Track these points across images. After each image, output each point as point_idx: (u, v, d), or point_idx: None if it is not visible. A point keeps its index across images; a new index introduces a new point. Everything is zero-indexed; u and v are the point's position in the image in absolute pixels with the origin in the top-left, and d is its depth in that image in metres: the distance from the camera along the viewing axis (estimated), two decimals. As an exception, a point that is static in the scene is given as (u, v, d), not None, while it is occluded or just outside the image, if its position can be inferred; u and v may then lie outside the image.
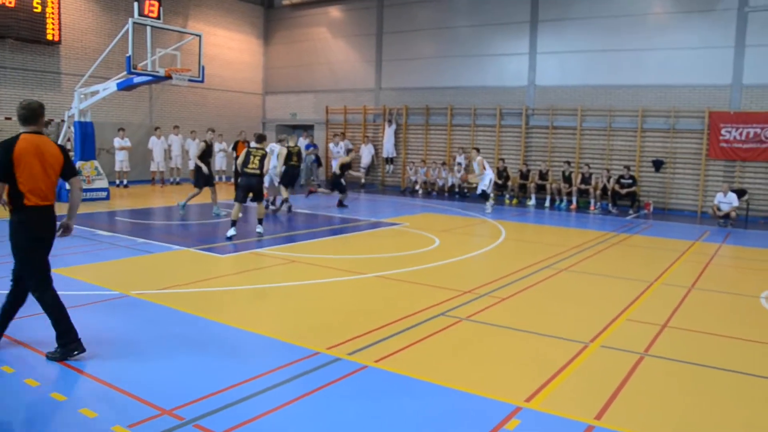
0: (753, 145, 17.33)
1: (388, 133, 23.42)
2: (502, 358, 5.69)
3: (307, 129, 26.49)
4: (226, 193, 19.21)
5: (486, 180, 17.13)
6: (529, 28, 20.94)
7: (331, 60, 26.13)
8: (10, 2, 18.15)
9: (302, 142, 24.53)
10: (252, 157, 11.58)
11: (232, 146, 20.86)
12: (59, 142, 17.40)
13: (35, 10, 18.82)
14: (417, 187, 22.36)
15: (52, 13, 19.28)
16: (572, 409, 4.50)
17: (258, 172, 11.55)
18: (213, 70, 23.95)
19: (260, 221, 11.81)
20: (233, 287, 7.94)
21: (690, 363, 5.60)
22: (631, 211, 18.15)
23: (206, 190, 14.01)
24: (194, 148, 20.75)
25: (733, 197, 16.08)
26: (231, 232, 11.18)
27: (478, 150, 17.73)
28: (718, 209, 16.13)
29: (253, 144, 12.10)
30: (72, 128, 16.88)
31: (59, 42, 19.70)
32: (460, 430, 4.22)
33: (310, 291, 7.92)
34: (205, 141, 14.01)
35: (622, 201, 18.50)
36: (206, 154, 13.91)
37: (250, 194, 11.60)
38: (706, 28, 18.00)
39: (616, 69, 19.40)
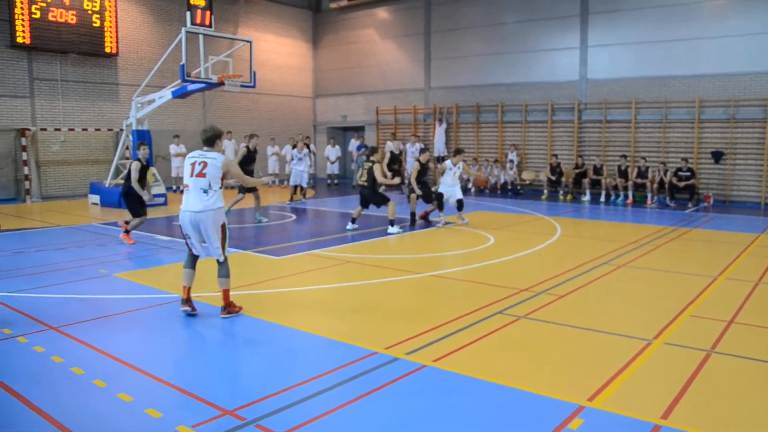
0: (820, 132, 16.61)
1: (439, 132, 23.34)
2: (563, 356, 5.59)
3: (357, 130, 26.62)
4: (280, 196, 19.46)
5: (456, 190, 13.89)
6: (580, 21, 20.58)
7: (380, 61, 26.20)
8: (71, 19, 18.81)
9: (353, 143, 24.69)
10: (362, 170, 12.85)
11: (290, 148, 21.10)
12: (118, 151, 17.95)
13: (94, 24, 19.46)
14: (469, 185, 22.21)
15: (110, 27, 19.89)
16: (637, 408, 4.39)
17: (366, 184, 12.62)
18: (264, 74, 24.30)
19: (392, 222, 12.50)
20: (290, 288, 8.03)
21: (760, 360, 5.40)
22: (690, 205, 17.62)
23: (250, 195, 14.01)
24: (233, 152, 21.19)
25: (799, 188, 15.45)
26: (350, 225, 12.68)
27: (460, 151, 13.97)
28: (784, 200, 15.52)
29: (370, 157, 12.83)
30: (130, 137, 17.36)
31: (117, 54, 20.30)
32: (521, 429, 4.16)
33: (366, 291, 7.95)
34: (247, 147, 13.83)
35: (681, 194, 17.98)
36: (248, 160, 13.68)
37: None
38: (765, 12, 17.34)
39: (670, 59, 18.88)
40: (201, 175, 6.60)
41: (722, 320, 6.55)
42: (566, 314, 6.80)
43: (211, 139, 6.78)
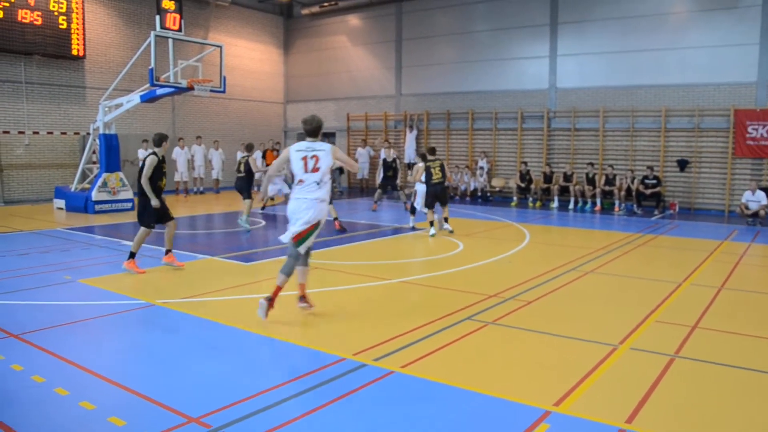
0: (781, 142, 17.03)
1: (410, 139, 23.43)
2: (530, 361, 5.62)
3: (328, 136, 26.56)
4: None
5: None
6: (549, 30, 20.84)
7: (351, 67, 26.23)
8: (37, 20, 18.49)
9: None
10: (433, 170, 12.91)
11: (261, 154, 20.97)
12: (85, 155, 17.66)
13: (61, 26, 19.17)
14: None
15: (77, 29, 19.61)
16: (602, 413, 4.43)
17: (441, 180, 13.05)
18: (234, 80, 24.16)
19: (446, 219, 13.17)
20: (258, 295, 7.95)
21: (722, 365, 5.49)
22: (656, 212, 17.90)
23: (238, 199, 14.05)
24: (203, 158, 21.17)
25: (761, 195, 15.81)
26: (432, 231, 12.84)
27: (423, 156, 13.53)
28: (746, 208, 15.87)
29: (429, 156, 13.22)
30: (97, 141, 17.10)
31: (84, 57, 20.02)
32: (488, 434, 4.17)
33: (335, 297, 7.92)
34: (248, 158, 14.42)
35: (647, 202, 18.26)
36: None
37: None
38: (729, 25, 17.75)
39: (637, 69, 19.22)
40: (315, 170, 6.65)
41: (686, 325, 6.65)
42: (534, 320, 6.85)
43: (317, 130, 6.79)
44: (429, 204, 12.99)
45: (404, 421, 4.34)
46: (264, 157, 21.00)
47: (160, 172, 9.12)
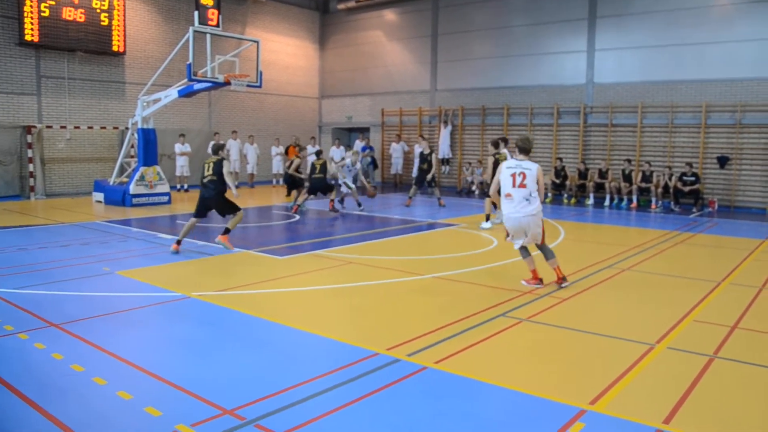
0: (826, 139, 16.55)
1: (444, 134, 23.34)
2: (565, 359, 5.57)
3: (363, 131, 26.65)
4: (277, 196, 19.46)
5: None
6: (587, 25, 20.55)
7: (387, 62, 26.21)
8: (80, 17, 18.87)
9: (359, 144, 24.70)
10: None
11: (284, 150, 21.08)
12: (123, 149, 17.97)
13: (102, 23, 19.52)
14: (473, 187, 22.20)
15: (118, 26, 19.95)
16: (639, 413, 4.36)
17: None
18: (270, 75, 24.34)
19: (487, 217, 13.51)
20: (292, 288, 8.02)
21: (763, 366, 5.37)
22: (694, 210, 17.56)
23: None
24: (237, 152, 21.46)
25: (805, 194, 15.39)
26: (486, 225, 13.15)
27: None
28: (789, 207, 15.46)
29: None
30: (135, 135, 17.39)
31: (124, 53, 20.35)
32: (522, 432, 4.15)
33: (368, 292, 7.93)
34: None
35: (685, 199, 17.92)
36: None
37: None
38: (773, 18, 17.29)
39: (677, 64, 18.84)
40: (522, 186, 7.51)
41: (725, 325, 6.52)
42: (569, 317, 6.78)
43: (528, 150, 7.70)
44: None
45: (437, 416, 4.33)
46: (286, 152, 21.05)
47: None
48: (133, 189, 16.59)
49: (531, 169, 7.61)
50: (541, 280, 8.09)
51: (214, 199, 10.31)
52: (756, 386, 5.00)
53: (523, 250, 8.09)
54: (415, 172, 18.63)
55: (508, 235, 8.15)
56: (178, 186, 20.60)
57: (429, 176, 16.97)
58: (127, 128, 18.67)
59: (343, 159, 17.96)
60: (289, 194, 17.11)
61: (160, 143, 18.55)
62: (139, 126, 17.05)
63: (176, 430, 4.00)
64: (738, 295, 7.90)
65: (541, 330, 6.36)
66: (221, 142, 15.13)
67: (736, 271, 9.37)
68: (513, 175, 7.56)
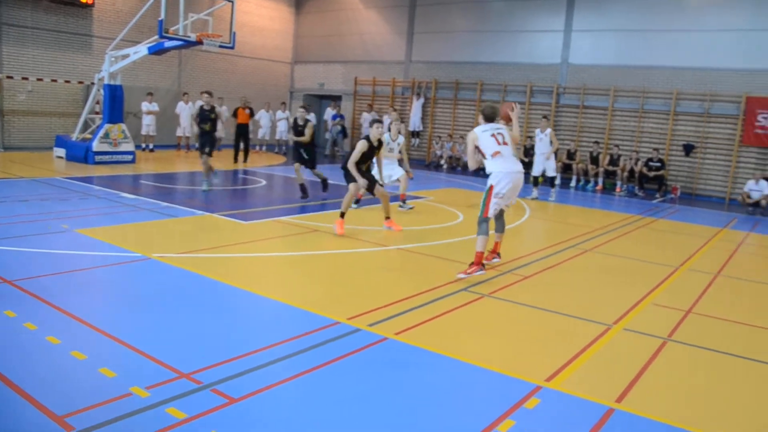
0: (789, 132, 16.91)
1: (416, 107, 23.24)
2: (524, 336, 5.63)
3: (335, 99, 26.40)
4: (267, 159, 19.23)
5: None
6: (566, 4, 20.51)
7: (362, 30, 25.89)
8: (44, -38, 18.20)
9: (329, 112, 24.48)
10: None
11: (232, 112, 20.67)
12: (88, 104, 17.51)
13: (69, -29, 18.85)
14: (442, 161, 22.22)
15: (86, -25, 19.28)
16: (593, 391, 4.44)
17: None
18: (243, 37, 23.86)
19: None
20: (255, 254, 7.95)
21: (713, 350, 5.50)
22: (657, 195, 17.85)
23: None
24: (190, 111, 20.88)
25: (764, 185, 15.76)
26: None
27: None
28: (748, 197, 15.83)
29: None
30: (101, 91, 16.94)
31: (92, 5, 19.72)
32: (480, 405, 4.18)
33: (332, 261, 7.91)
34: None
35: (650, 184, 18.19)
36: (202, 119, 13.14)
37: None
38: (750, 9, 17.46)
39: (652, 49, 18.97)
40: (506, 143, 7.35)
41: (681, 309, 6.66)
42: (530, 295, 6.84)
43: (493, 118, 7.58)
44: None
45: (395, 387, 4.35)
46: (234, 115, 20.65)
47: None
48: (96, 146, 16.21)
49: (504, 129, 7.50)
50: (498, 254, 7.93)
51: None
52: (705, 368, 5.13)
53: (494, 221, 7.66)
54: None
55: None
56: (144, 145, 20.18)
57: None
58: (92, 83, 18.15)
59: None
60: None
61: (127, 101, 18.08)
62: (106, 82, 16.58)
63: (131, 391, 3.94)
64: (694, 281, 8.07)
65: (502, 306, 6.41)
66: None
67: (694, 258, 9.56)
68: (494, 135, 7.36)
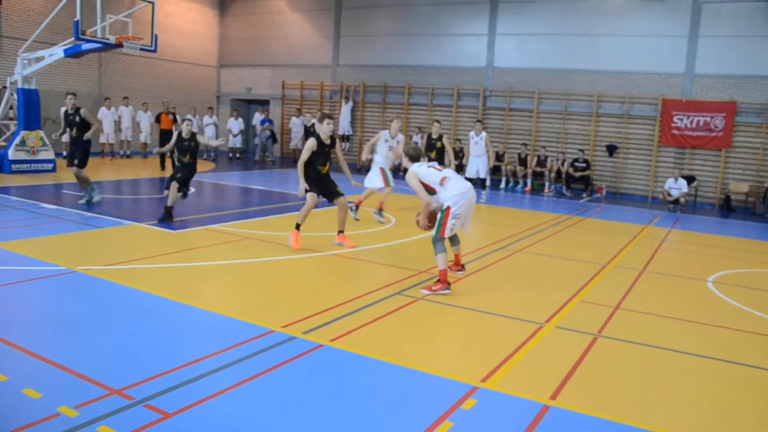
0: (703, 133, 17.76)
1: (345, 111, 23.22)
2: (458, 338, 5.69)
3: (262, 104, 26.08)
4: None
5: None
6: (489, 8, 20.94)
7: (288, 34, 25.69)
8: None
9: (258, 117, 24.18)
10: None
11: (155, 117, 20.18)
12: (1, 109, 16.68)
13: (-27, -32, 17.93)
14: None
15: (-7, -27, 18.40)
16: (528, 389, 4.51)
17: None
18: (166, 40, 23.27)
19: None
20: (185, 264, 7.75)
21: (641, 344, 5.68)
22: (584, 195, 18.41)
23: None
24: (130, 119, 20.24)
25: (683, 183, 16.48)
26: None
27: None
28: (669, 195, 16.51)
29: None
30: (14, 95, 16.17)
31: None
32: (417, 409, 4.19)
33: (264, 268, 7.80)
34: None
35: (576, 184, 18.77)
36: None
37: None
38: (661, 16, 18.28)
39: (573, 53, 19.57)
40: (443, 167, 7.57)
41: (609, 306, 6.86)
42: (463, 297, 6.91)
43: (419, 157, 7.60)
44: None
45: (333, 394, 4.30)
46: (157, 120, 20.21)
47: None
48: (12, 154, 15.45)
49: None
50: (463, 266, 7.89)
51: None
52: (635, 362, 5.30)
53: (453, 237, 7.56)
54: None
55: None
56: (64, 153, 19.39)
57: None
58: (5, 87, 17.30)
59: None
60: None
61: (44, 106, 17.33)
62: (20, 86, 15.85)
63: (58, 412, 3.75)
64: (621, 278, 8.34)
65: (436, 309, 6.45)
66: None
67: (621, 255, 9.89)
68: (431, 167, 7.36)
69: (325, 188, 8.90)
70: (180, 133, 10.50)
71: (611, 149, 19.04)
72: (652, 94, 18.45)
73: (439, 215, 7.14)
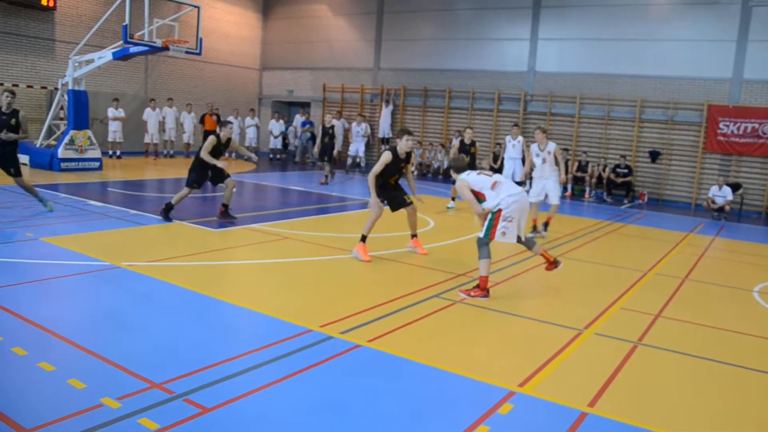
0: (750, 139, 17.34)
1: (385, 114, 23.28)
2: (496, 342, 5.66)
3: (303, 106, 26.33)
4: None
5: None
6: (532, 13, 20.79)
7: (330, 38, 25.89)
8: (5, -35, 17.86)
9: (299, 119, 24.41)
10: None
11: (200, 119, 20.42)
12: (52, 110, 17.18)
13: (30, -26, 18.51)
14: (412, 168, 22.25)
15: (47, -21, 18.97)
16: (565, 396, 4.47)
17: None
18: (210, 43, 23.70)
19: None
20: (226, 262, 7.87)
21: (682, 353, 5.58)
22: (625, 201, 18.13)
23: None
24: (173, 120, 20.60)
25: (727, 191, 16.10)
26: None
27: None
28: (713, 202, 16.15)
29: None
30: (65, 96, 16.65)
31: (54, 8, 19.40)
32: (453, 412, 4.18)
33: (303, 268, 7.87)
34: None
35: (617, 190, 18.49)
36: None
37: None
38: (709, 20, 17.91)
39: (616, 58, 19.30)
40: (492, 172, 7.47)
41: (650, 314, 6.75)
42: (501, 301, 6.88)
43: (464, 167, 7.54)
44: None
45: (368, 394, 4.33)
46: (201, 121, 20.43)
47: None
48: (61, 153, 15.91)
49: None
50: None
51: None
52: (676, 372, 5.20)
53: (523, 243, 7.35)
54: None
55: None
56: (110, 152, 19.88)
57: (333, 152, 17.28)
58: (56, 88, 17.84)
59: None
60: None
61: (92, 107, 17.80)
62: (70, 87, 16.32)
63: (102, 403, 3.86)
64: (662, 285, 8.19)
65: (474, 312, 6.43)
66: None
67: (662, 262, 9.71)
68: (480, 173, 7.34)
69: (390, 196, 8.79)
70: (218, 137, 10.23)
71: (654, 155, 18.71)
72: (697, 99, 18.08)
73: (489, 217, 7.04)
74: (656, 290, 7.92)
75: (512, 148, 15.29)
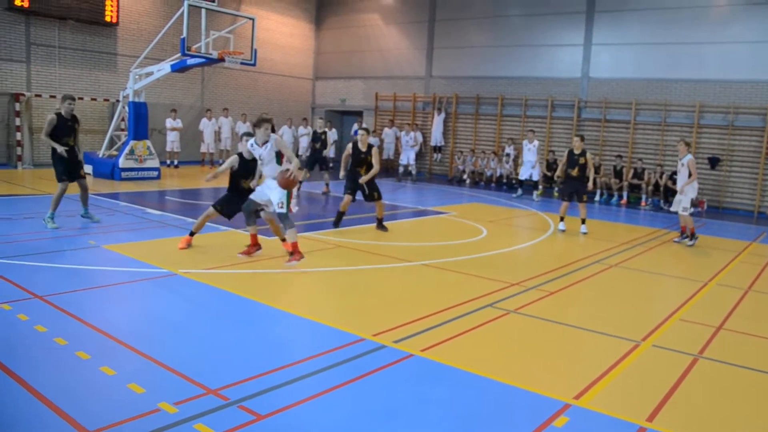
0: (817, 144, 16.66)
1: (437, 122, 23.23)
2: (551, 353, 5.57)
3: (356, 115, 26.52)
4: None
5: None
6: (585, 18, 20.47)
7: (382, 47, 26.02)
8: (71, -16, 18.55)
9: (355, 127, 24.59)
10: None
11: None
12: (114, 122, 17.75)
13: (95, -8, 19.19)
14: (464, 176, 22.17)
15: (111, -4, 19.64)
16: (623, 409, 4.37)
17: (578, 175, 12.10)
18: (264, 54, 24.10)
19: (583, 221, 12.29)
20: (280, 270, 7.97)
21: (745, 367, 5.39)
22: (684, 209, 17.62)
23: None
24: (229, 130, 20.86)
25: (793, 198, 15.51)
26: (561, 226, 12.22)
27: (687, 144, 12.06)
28: (777, 210, 15.58)
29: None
30: (126, 108, 17.19)
31: (117, 24, 20.05)
32: (508, 424, 4.14)
33: (356, 276, 7.91)
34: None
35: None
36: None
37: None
38: (770, 21, 17.31)
39: (673, 62, 18.82)
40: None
41: (711, 326, 6.54)
42: (556, 311, 6.78)
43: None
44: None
45: (422, 404, 4.32)
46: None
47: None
48: (122, 163, 16.42)
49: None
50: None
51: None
52: (738, 387, 5.03)
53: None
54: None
55: None
56: (168, 162, 20.40)
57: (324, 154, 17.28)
58: (117, 101, 18.44)
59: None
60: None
61: (151, 117, 18.32)
62: (131, 99, 16.85)
63: (159, 407, 3.96)
64: (724, 296, 7.94)
65: (528, 322, 6.35)
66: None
67: (723, 272, 9.41)
68: None
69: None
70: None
71: (713, 162, 18.15)
72: (759, 103, 17.48)
73: None
74: (717, 301, 7.68)
75: (528, 152, 15.50)
